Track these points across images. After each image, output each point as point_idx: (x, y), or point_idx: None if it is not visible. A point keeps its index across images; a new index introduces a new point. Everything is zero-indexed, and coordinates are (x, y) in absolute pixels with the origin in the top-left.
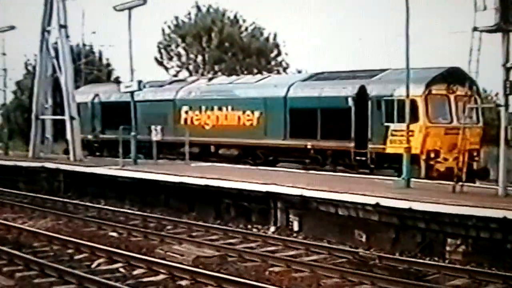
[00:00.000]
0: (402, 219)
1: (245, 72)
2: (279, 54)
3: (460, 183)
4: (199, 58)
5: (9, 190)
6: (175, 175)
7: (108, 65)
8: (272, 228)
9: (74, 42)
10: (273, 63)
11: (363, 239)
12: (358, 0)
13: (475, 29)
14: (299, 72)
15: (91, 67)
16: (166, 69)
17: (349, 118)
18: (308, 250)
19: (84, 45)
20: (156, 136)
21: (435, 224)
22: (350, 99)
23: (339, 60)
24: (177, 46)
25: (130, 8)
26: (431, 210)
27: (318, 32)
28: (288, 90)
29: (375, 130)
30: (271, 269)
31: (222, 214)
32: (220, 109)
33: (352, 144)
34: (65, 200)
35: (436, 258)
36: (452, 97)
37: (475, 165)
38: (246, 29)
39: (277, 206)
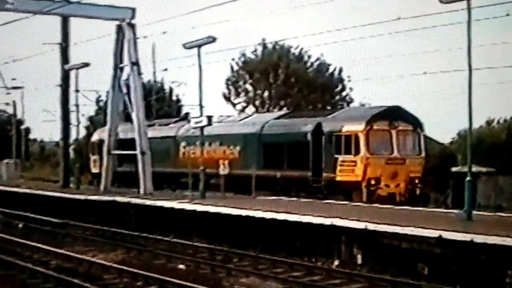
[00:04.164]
0: (463, 252)
1: (309, 107)
2: (343, 89)
3: None
4: (266, 93)
5: (80, 224)
6: (242, 208)
7: (178, 101)
8: (336, 262)
9: (145, 79)
10: (337, 97)
11: (426, 272)
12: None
13: None
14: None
15: (161, 103)
16: (234, 105)
17: (308, 151)
18: (371, 283)
19: (155, 81)
20: (223, 171)
21: (495, 255)
22: (308, 134)
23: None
24: (245, 82)
25: (199, 46)
26: (492, 243)
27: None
28: (263, 127)
29: (328, 161)
30: None
31: (287, 247)
32: (210, 144)
33: (310, 173)
34: (135, 233)
35: None
36: (394, 132)
37: (417, 191)
38: (312, 64)
39: (341, 240)
